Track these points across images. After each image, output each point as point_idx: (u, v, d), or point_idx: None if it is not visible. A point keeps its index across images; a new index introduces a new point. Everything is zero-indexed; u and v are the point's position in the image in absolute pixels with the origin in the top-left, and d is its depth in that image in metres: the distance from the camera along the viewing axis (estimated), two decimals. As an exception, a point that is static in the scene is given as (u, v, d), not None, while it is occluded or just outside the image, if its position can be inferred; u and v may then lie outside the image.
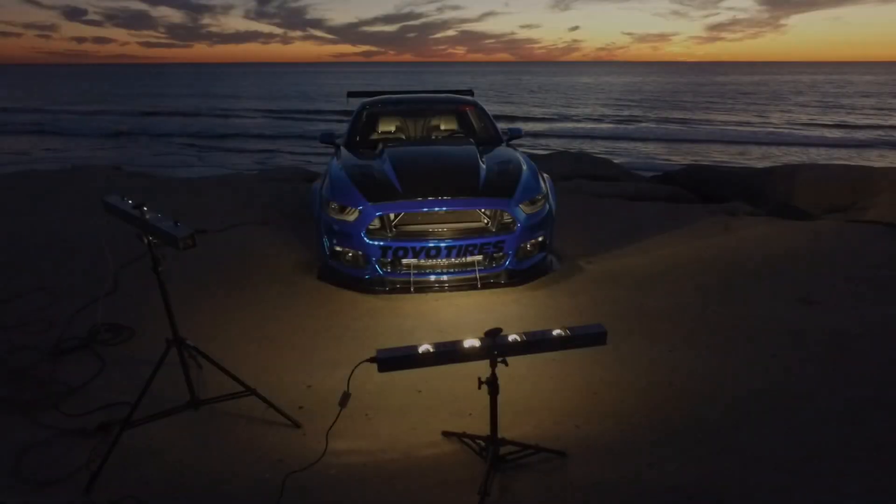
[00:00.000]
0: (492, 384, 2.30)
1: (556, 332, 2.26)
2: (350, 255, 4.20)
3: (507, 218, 4.17)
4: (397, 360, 2.17)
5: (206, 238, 5.64)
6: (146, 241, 2.44)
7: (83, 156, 17.67)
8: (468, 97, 6.42)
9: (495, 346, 2.19)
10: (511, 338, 2.22)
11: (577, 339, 2.25)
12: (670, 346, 3.51)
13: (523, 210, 4.19)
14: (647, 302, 4.12)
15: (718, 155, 17.71)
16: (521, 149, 5.38)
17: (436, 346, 2.20)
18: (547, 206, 4.41)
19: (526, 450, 2.48)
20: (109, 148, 20.24)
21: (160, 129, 25.34)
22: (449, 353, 2.18)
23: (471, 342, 2.20)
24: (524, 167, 4.56)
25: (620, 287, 4.39)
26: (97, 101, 41.92)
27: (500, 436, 2.41)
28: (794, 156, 17.85)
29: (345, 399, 2.26)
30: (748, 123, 26.10)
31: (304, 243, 5.41)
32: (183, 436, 2.71)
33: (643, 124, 26.79)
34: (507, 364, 2.24)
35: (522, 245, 4.23)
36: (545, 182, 4.58)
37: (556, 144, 19.21)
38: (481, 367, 2.27)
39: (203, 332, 3.64)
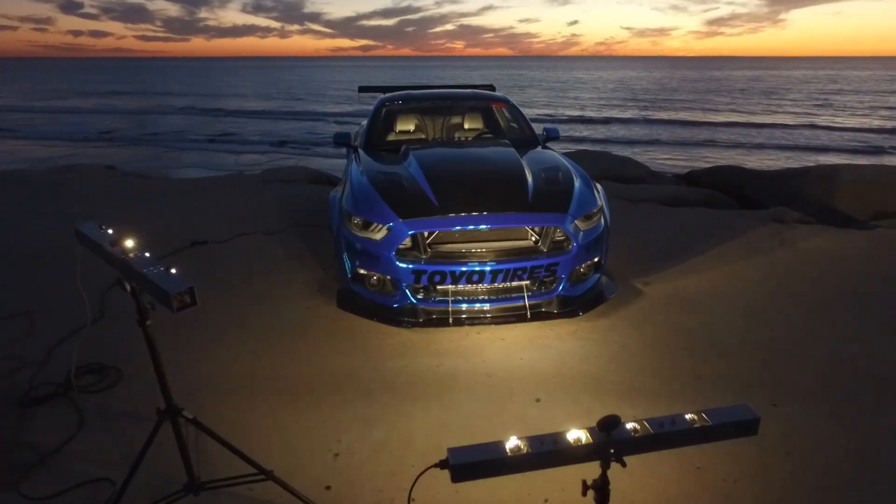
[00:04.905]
0: (601, 490, 1.69)
1: (689, 416, 1.65)
2: (376, 278, 3.57)
3: (559, 235, 3.55)
4: (477, 466, 1.55)
5: (207, 250, 5.03)
6: (128, 288, 1.82)
7: (71, 154, 16.96)
8: (499, 94, 5.79)
9: (612, 443, 1.58)
10: (630, 426, 1.61)
11: (720, 429, 1.64)
12: (771, 395, 2.91)
13: (579, 226, 3.58)
14: (726, 335, 3.52)
15: (711, 156, 16.91)
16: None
17: (530, 441, 1.59)
18: (602, 222, 3.79)
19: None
20: (102, 147, 19.52)
21: (157, 127, 24.58)
22: (548, 454, 1.56)
23: (577, 434, 1.58)
24: (575, 175, 3.94)
25: (689, 315, 3.79)
26: (97, 98, 41.11)
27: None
28: (790, 156, 17.16)
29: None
30: (743, 124, 25.22)
31: (317, 258, 4.79)
32: (180, 533, 2.11)
33: (635, 124, 25.95)
34: (624, 465, 1.63)
35: (577, 268, 3.61)
36: (599, 193, 3.96)
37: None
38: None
39: (201, 379, 3.03)
